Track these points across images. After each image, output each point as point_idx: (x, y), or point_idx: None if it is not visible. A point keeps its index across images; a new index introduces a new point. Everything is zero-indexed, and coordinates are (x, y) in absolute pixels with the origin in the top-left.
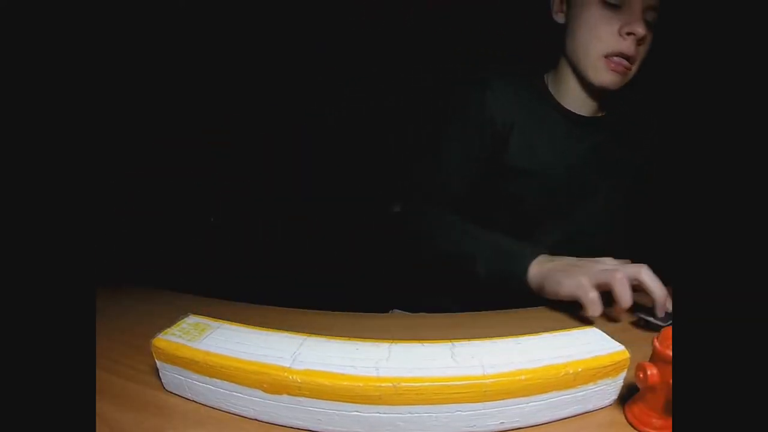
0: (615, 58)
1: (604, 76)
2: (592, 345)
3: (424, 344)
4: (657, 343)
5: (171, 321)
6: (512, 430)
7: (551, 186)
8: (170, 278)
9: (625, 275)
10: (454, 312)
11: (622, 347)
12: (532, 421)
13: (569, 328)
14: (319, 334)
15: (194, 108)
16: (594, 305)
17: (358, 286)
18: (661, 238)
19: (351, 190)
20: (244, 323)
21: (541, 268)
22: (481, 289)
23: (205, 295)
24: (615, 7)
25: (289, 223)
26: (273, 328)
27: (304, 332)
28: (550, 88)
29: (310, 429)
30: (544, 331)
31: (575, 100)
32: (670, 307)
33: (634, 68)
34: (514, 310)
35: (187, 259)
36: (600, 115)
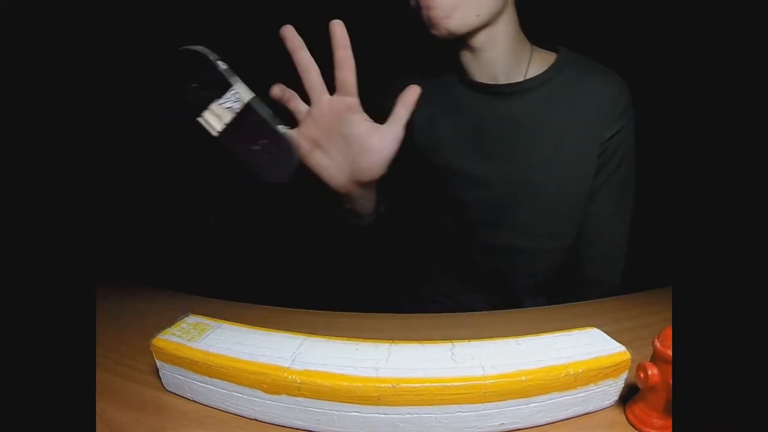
0: None
1: (425, 11)
2: (593, 346)
3: (424, 345)
4: (657, 343)
5: (171, 321)
6: (512, 431)
7: (468, 172)
8: (170, 278)
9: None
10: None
11: (623, 348)
12: (532, 423)
13: (570, 328)
14: (318, 334)
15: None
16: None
17: (358, 286)
18: (660, 239)
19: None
20: (244, 323)
21: None
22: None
23: (205, 295)
24: None
25: (289, 223)
26: (273, 328)
27: (303, 332)
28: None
29: (310, 429)
30: (544, 332)
31: (474, 68)
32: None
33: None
34: (514, 310)
35: (187, 259)
36: (517, 81)
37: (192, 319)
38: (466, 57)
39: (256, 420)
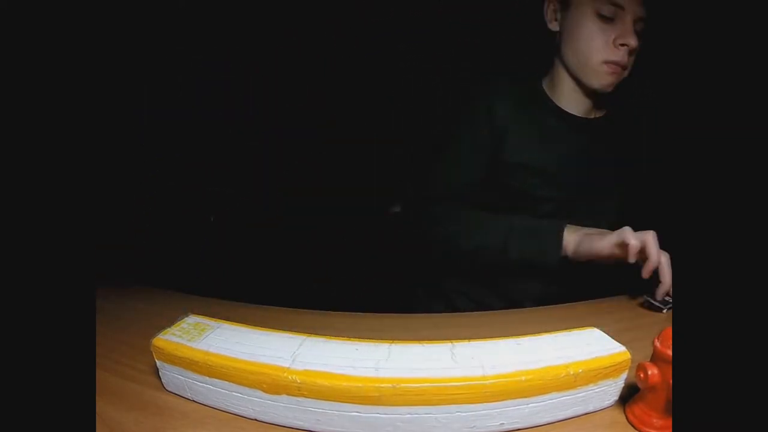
0: (613, 66)
1: (604, 79)
2: (593, 346)
3: (424, 345)
4: (657, 343)
5: (171, 321)
6: (512, 431)
7: (554, 182)
8: (170, 278)
9: (655, 236)
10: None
11: (623, 348)
12: (532, 422)
13: (570, 328)
14: (318, 334)
15: (194, 107)
16: (635, 249)
17: (358, 286)
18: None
19: (351, 190)
20: (244, 323)
21: (574, 235)
22: (506, 277)
23: (205, 295)
24: (609, 20)
25: (288, 223)
26: (273, 328)
27: (303, 332)
28: (546, 90)
29: (310, 429)
30: (545, 332)
31: (570, 102)
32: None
33: (626, 72)
34: (515, 310)
35: (188, 259)
36: (594, 116)
37: (192, 319)
38: (580, 96)
39: (256, 420)
